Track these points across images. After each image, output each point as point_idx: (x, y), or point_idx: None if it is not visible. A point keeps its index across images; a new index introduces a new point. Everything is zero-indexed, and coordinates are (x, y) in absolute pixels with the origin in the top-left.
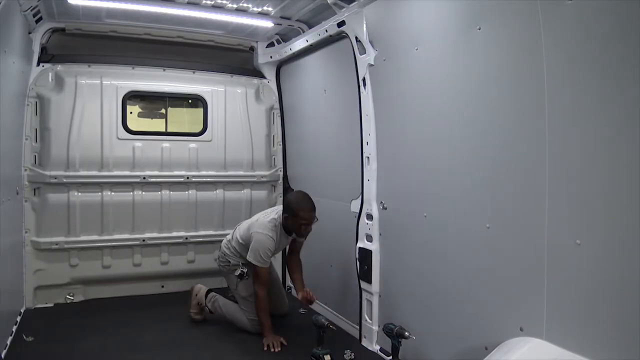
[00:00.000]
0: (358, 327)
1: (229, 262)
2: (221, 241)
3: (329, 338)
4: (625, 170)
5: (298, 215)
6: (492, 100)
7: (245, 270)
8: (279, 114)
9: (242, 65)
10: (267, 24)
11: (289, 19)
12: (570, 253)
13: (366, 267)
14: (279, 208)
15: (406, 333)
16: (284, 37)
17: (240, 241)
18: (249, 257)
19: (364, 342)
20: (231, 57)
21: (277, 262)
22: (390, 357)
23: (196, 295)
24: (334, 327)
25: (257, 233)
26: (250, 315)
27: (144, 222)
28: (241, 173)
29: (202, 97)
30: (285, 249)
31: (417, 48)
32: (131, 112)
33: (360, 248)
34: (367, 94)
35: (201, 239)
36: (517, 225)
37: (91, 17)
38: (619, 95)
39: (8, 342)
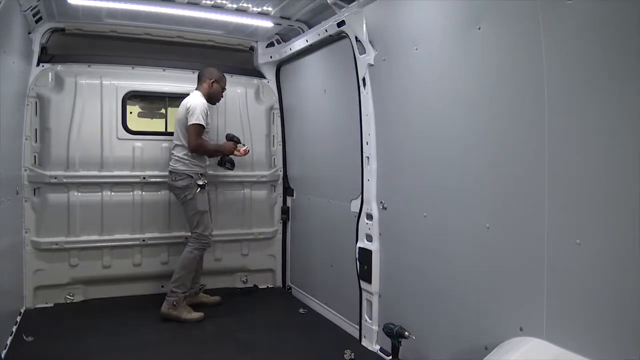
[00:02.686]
0: (358, 327)
1: (189, 175)
2: (221, 241)
3: (330, 337)
4: (625, 170)
5: (222, 79)
6: (491, 100)
7: (205, 182)
8: (279, 114)
9: (242, 65)
10: (267, 24)
11: (289, 19)
12: (570, 253)
13: (366, 267)
14: (190, 94)
15: (406, 333)
16: (284, 37)
17: (186, 133)
18: (192, 120)
19: (364, 342)
20: (231, 57)
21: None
22: (390, 357)
23: (174, 305)
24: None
25: (193, 102)
26: (206, 231)
27: (144, 222)
28: (241, 173)
29: None
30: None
31: (416, 48)
32: (131, 112)
33: (360, 248)
34: (367, 94)
35: None
36: (517, 225)
37: (91, 17)
38: (619, 95)
39: (8, 342)
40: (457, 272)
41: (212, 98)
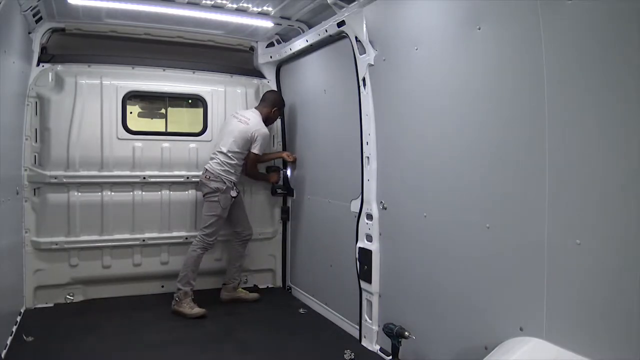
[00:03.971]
0: (358, 327)
1: (223, 181)
2: (221, 241)
3: (330, 337)
4: (625, 170)
5: (282, 108)
6: (492, 100)
7: (238, 192)
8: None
9: (242, 65)
10: (267, 24)
11: (289, 19)
12: (570, 253)
13: (366, 267)
14: (251, 110)
15: (406, 333)
16: (284, 37)
17: (238, 150)
18: (255, 150)
19: (364, 342)
20: (231, 57)
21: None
22: (390, 357)
23: (177, 300)
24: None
25: (260, 130)
26: (213, 235)
27: (144, 222)
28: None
29: (202, 97)
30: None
31: (417, 48)
32: (131, 112)
33: (360, 248)
34: (367, 93)
35: None
36: (517, 225)
37: (91, 17)
38: (619, 95)
39: (8, 342)
40: (457, 272)
41: (268, 122)
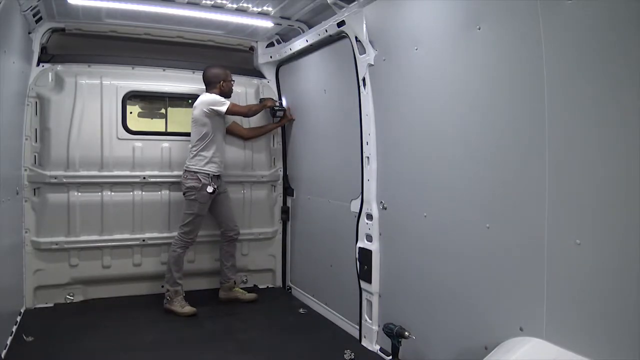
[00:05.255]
0: (358, 327)
1: (199, 178)
2: (221, 241)
3: (330, 337)
4: (625, 170)
5: (228, 75)
6: (491, 100)
7: (215, 187)
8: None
9: (242, 65)
10: (267, 24)
11: (288, 19)
12: (570, 253)
13: (366, 267)
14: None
15: (406, 333)
16: (284, 37)
17: (201, 135)
18: (219, 109)
19: (364, 342)
20: (231, 57)
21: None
22: (390, 357)
23: (169, 299)
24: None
25: (204, 98)
26: (191, 234)
27: (144, 222)
28: (241, 173)
29: None
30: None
31: (417, 48)
32: (131, 112)
33: (360, 248)
34: (367, 93)
35: (200, 239)
36: (517, 225)
37: (91, 17)
38: (619, 95)
39: (8, 342)
40: (457, 272)
41: (226, 95)
